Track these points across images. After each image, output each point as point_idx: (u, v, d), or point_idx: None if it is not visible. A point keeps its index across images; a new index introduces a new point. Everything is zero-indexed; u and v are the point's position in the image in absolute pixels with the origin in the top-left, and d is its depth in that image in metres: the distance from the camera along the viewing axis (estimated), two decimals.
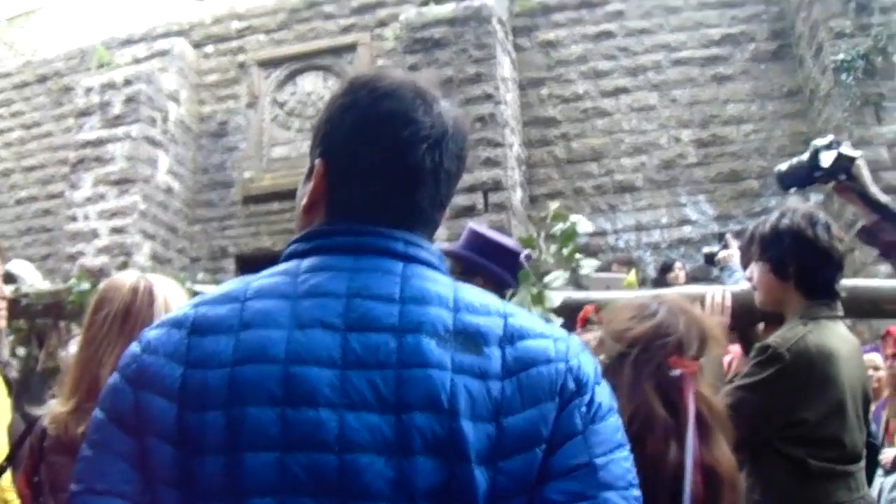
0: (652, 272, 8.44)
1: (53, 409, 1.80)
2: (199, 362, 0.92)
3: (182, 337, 0.95)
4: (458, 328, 0.94)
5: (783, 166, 2.67)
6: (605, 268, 7.62)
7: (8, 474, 1.80)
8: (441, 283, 1.00)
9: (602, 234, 8.84)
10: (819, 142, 2.50)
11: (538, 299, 2.59)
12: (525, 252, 2.72)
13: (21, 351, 3.95)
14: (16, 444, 1.83)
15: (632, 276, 4.92)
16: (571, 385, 0.94)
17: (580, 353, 0.98)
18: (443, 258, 1.06)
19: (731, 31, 9.10)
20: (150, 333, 0.99)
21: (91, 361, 1.79)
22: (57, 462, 1.71)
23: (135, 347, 0.99)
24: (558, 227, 2.85)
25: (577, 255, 2.80)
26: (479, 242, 2.78)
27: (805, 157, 2.52)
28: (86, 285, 3.51)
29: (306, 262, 1.00)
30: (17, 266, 4.20)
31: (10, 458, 1.82)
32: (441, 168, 1.04)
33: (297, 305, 0.94)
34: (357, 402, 0.88)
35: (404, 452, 0.87)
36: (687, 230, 8.77)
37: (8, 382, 2.10)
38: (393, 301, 0.95)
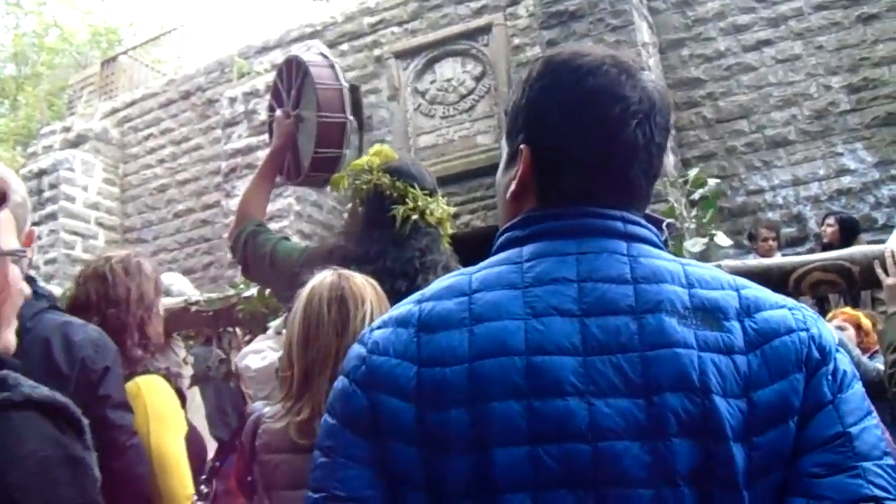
0: (814, 227, 8.21)
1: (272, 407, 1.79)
2: (434, 359, 0.91)
3: (411, 335, 0.94)
4: (696, 304, 0.91)
5: None
6: (754, 235, 7.50)
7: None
8: (667, 260, 0.98)
9: (759, 191, 8.61)
10: None
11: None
12: (667, 221, 2.71)
13: (191, 360, 3.85)
14: (229, 442, 1.85)
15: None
16: (816, 354, 0.91)
17: (818, 322, 0.95)
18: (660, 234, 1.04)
19: None
20: (375, 333, 0.98)
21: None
22: (270, 461, 1.70)
23: (359, 349, 0.98)
24: (698, 193, 2.82)
25: (712, 225, 2.77)
26: None
27: None
28: (251, 291, 3.33)
29: (528, 249, 0.98)
30: (169, 278, 3.98)
31: (222, 461, 1.83)
32: (652, 142, 1.01)
33: (528, 294, 0.92)
34: (605, 388, 0.87)
35: (660, 435, 0.85)
36: (846, 180, 8.45)
37: (180, 393, 2.11)
38: (626, 282, 0.93)
